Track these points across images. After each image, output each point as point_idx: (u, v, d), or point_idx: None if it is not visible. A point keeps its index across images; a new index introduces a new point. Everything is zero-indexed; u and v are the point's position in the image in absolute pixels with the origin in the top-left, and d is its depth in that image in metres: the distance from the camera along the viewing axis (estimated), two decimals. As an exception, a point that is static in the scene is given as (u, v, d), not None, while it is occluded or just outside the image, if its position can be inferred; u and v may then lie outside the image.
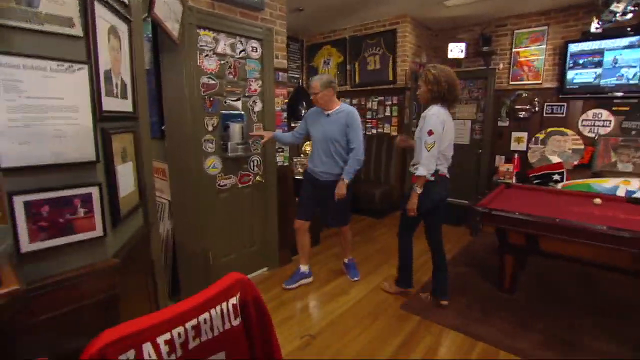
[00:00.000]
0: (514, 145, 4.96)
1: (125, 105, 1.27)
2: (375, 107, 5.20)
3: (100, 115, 1.06)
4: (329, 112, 2.67)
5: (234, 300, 0.96)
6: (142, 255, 1.39)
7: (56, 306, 0.96)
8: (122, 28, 1.24)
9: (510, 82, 4.86)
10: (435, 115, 2.28)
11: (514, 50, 4.77)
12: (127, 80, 1.27)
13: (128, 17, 1.27)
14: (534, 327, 2.30)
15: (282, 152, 3.14)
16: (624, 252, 2.07)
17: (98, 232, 1.06)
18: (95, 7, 1.02)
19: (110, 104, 1.14)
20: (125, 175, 1.24)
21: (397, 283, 2.81)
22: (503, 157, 5.08)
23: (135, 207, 1.34)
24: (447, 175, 2.59)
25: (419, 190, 2.37)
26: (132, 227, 1.32)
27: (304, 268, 2.99)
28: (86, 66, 1.00)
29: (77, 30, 0.98)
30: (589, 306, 2.58)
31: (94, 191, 1.04)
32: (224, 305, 0.93)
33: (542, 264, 3.20)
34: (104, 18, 1.09)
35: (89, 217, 1.03)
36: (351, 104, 5.37)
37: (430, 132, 2.25)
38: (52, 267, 0.98)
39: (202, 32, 2.41)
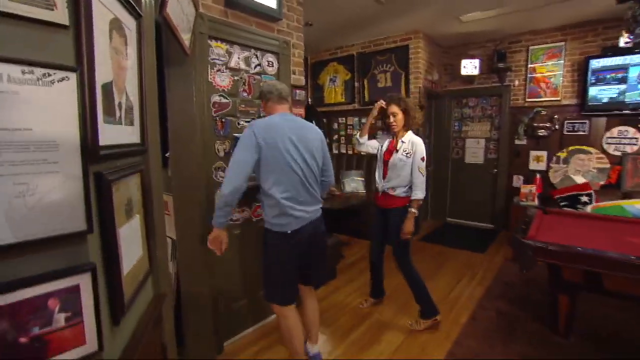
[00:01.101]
0: (533, 165, 4.71)
1: (131, 135, 0.90)
2: (386, 126, 4.92)
3: (95, 154, 0.68)
4: None
5: None
6: (151, 340, 0.99)
7: None
8: (130, 24, 0.88)
9: (527, 99, 4.65)
10: (423, 144, 2.52)
11: (529, 66, 4.58)
12: (134, 99, 0.91)
13: (138, 10, 0.91)
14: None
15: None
16: None
17: (90, 346, 0.66)
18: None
19: (110, 133, 0.77)
20: (131, 239, 0.86)
21: (423, 316, 2.58)
22: (522, 177, 4.82)
23: (145, 278, 0.95)
24: None
25: (416, 213, 2.49)
26: (139, 310, 0.94)
27: (313, 350, 2.15)
28: (74, 75, 0.62)
29: (60, 16, 0.61)
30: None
31: (84, 281, 0.65)
32: None
33: (596, 301, 2.84)
34: (103, 3, 0.73)
35: (74, 326, 0.63)
36: (360, 122, 5.09)
37: (423, 159, 2.47)
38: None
39: (214, 43, 2.09)
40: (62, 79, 0.60)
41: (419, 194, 2.45)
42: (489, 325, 2.56)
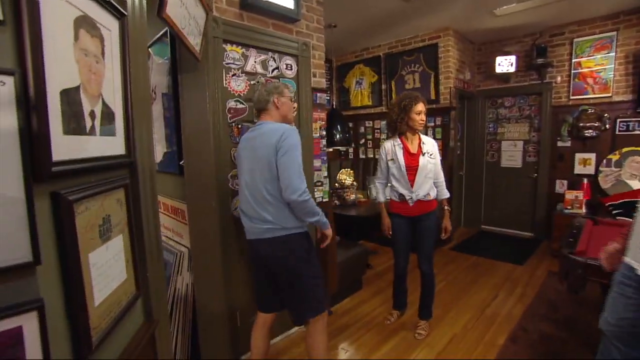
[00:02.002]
0: (578, 169, 4.30)
1: (110, 146, 0.81)
2: (415, 129, 4.69)
3: (45, 171, 0.59)
4: None
5: None
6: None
7: None
8: (108, 24, 0.80)
9: (571, 97, 4.26)
10: None
11: (574, 60, 4.19)
12: (116, 107, 0.82)
13: (120, 8, 0.82)
14: None
15: (320, 185, 2.66)
16: None
17: None
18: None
19: (75, 146, 0.68)
20: (108, 264, 0.77)
21: (428, 317, 2.62)
22: (565, 181, 4.41)
23: (130, 303, 0.86)
24: None
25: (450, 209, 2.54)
26: (122, 339, 0.85)
27: None
28: (10, 79, 0.53)
29: None
30: None
31: (28, 321, 0.54)
32: None
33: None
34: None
35: None
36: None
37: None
38: None
39: (229, 47, 2.02)
40: (-4, 85, 0.51)
41: (447, 193, 2.52)
42: (531, 350, 2.29)
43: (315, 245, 1.88)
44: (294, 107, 2.07)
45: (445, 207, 2.51)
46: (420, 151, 2.37)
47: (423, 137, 2.44)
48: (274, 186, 1.61)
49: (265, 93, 1.73)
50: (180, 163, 2.10)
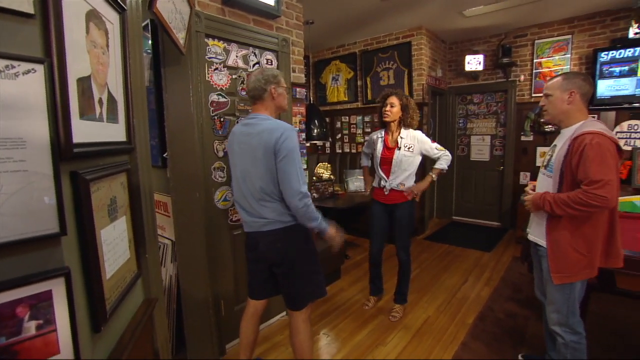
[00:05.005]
0: (539, 161, 4.61)
1: (114, 133, 0.86)
2: (390, 124, 4.86)
3: (68, 151, 0.64)
4: None
5: None
6: (141, 345, 0.96)
7: None
8: (111, 18, 0.84)
9: (533, 94, 4.56)
10: None
11: (535, 60, 4.50)
12: (119, 96, 0.87)
13: (121, 3, 0.87)
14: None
15: (300, 177, 2.73)
16: None
17: (64, 355, 0.61)
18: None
19: (88, 130, 0.73)
20: (115, 242, 0.82)
21: (403, 301, 2.75)
22: (528, 173, 4.73)
23: (132, 281, 0.92)
24: None
25: (435, 178, 2.59)
26: (126, 314, 0.90)
27: None
28: (41, 67, 0.58)
29: (24, 3, 0.56)
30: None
31: (57, 287, 0.60)
32: None
33: (608, 300, 2.74)
34: (76, -9, 0.68)
35: (46, 334, 0.59)
36: (363, 121, 5.05)
37: (433, 142, 2.56)
38: None
39: (211, 41, 2.06)
40: (28, 72, 0.56)
41: (444, 164, 2.51)
42: (497, 327, 2.50)
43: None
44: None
45: (431, 174, 2.53)
46: (397, 145, 2.50)
47: (405, 131, 2.50)
48: (271, 186, 1.59)
49: (263, 81, 1.65)
50: (164, 155, 2.12)
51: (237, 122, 2.24)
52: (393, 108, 2.47)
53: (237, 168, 1.70)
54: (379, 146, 2.55)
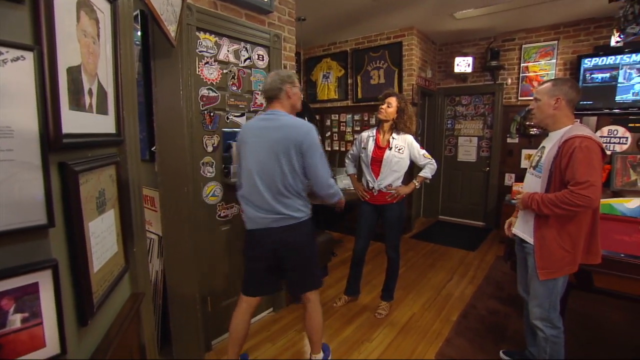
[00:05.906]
0: (524, 163, 4.72)
1: (104, 124, 0.84)
2: (379, 124, 4.89)
3: (57, 142, 0.62)
4: None
5: None
6: (127, 340, 0.95)
7: None
8: (102, 7, 0.83)
9: (520, 98, 4.66)
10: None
11: (522, 65, 4.59)
12: (109, 87, 0.86)
13: (112, -8, 0.85)
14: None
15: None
16: None
17: (50, 349, 0.60)
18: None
19: (78, 121, 0.71)
20: (103, 235, 0.81)
21: (390, 298, 2.80)
22: (513, 175, 4.84)
23: (120, 275, 0.90)
24: None
25: (418, 185, 2.64)
26: (113, 308, 0.89)
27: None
28: (30, 54, 0.56)
29: None
30: (650, 350, 2.24)
31: (43, 279, 0.59)
32: None
33: (586, 298, 2.83)
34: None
35: (32, 328, 0.58)
36: (353, 119, 5.07)
37: (422, 148, 2.59)
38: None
39: (202, 35, 2.03)
40: (17, 59, 0.55)
41: (428, 173, 2.55)
42: (480, 324, 2.55)
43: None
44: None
45: (414, 181, 2.57)
46: (388, 145, 2.51)
47: (397, 134, 2.51)
48: (292, 181, 1.64)
49: (279, 81, 1.72)
50: (152, 149, 2.09)
51: (230, 116, 2.23)
52: (389, 108, 2.48)
53: (248, 161, 1.71)
54: (370, 144, 2.56)
